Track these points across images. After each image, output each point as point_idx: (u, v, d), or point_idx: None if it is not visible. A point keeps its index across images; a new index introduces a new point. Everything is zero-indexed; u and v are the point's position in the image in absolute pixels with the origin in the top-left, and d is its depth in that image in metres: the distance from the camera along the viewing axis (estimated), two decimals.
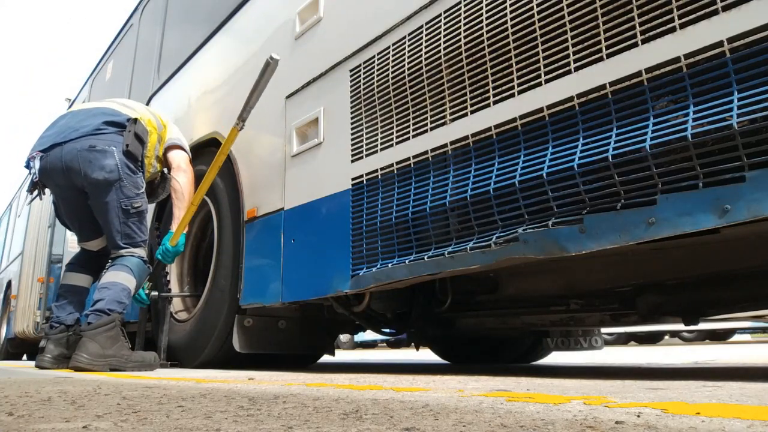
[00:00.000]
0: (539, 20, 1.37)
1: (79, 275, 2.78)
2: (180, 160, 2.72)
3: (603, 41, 1.24)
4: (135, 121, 2.58)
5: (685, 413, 0.72)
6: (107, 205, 2.48)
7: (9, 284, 7.55)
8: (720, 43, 1.06)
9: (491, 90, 1.48)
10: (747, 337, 11.89)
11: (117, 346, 2.30)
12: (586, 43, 1.28)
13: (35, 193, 2.63)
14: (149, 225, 2.69)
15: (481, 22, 1.51)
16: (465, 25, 1.56)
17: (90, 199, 2.54)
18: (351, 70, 1.96)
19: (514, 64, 1.43)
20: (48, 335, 2.61)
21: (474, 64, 1.53)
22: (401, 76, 1.74)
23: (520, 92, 1.41)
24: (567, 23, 1.32)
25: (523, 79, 1.41)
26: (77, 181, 2.48)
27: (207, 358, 2.47)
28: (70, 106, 6.12)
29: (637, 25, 1.19)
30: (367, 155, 1.85)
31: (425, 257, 1.58)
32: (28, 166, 2.56)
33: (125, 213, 2.50)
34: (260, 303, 2.23)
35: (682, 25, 1.12)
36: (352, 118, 1.93)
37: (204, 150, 2.89)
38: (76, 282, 2.77)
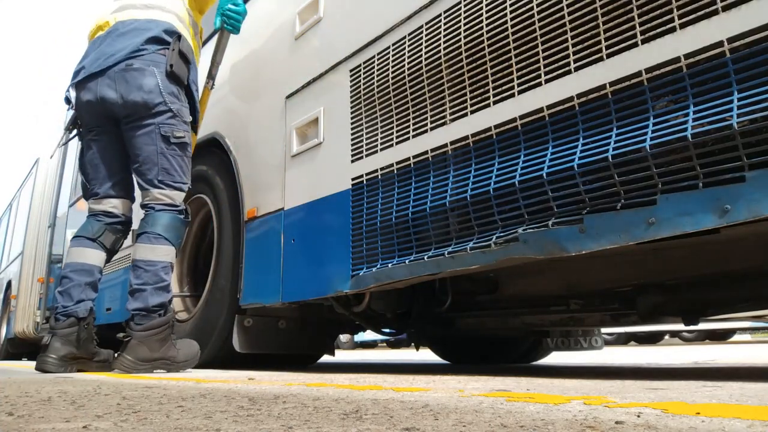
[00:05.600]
0: (539, 20, 1.37)
1: (89, 251, 2.24)
2: None
3: (603, 41, 1.24)
4: (179, 36, 2.24)
5: (685, 413, 0.72)
6: (143, 131, 2.14)
7: (9, 284, 7.55)
8: (720, 43, 1.06)
9: (491, 90, 1.48)
10: (747, 337, 11.91)
11: (165, 348, 2.08)
12: (586, 43, 1.28)
13: (73, 133, 2.33)
14: (189, 169, 2.29)
15: (481, 22, 1.51)
16: (465, 25, 1.56)
17: (125, 131, 2.21)
18: (351, 70, 1.96)
19: (514, 64, 1.43)
20: (53, 330, 2.14)
21: (474, 64, 1.53)
22: (401, 76, 1.74)
23: (520, 92, 1.41)
24: (567, 23, 1.32)
25: (523, 79, 1.41)
26: (113, 108, 2.17)
27: (207, 358, 2.47)
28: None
29: (637, 25, 1.19)
30: (367, 155, 1.85)
31: (425, 257, 1.58)
32: (67, 101, 2.29)
33: (165, 140, 2.15)
34: (260, 303, 2.23)
35: (682, 25, 1.12)
36: (352, 118, 1.93)
37: (204, 150, 2.89)
38: (86, 259, 2.23)
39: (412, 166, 1.69)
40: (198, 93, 2.37)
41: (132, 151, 2.21)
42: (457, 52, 1.57)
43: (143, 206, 2.22)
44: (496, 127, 1.46)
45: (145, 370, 2.03)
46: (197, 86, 2.36)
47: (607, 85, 1.23)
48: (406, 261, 1.64)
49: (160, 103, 2.14)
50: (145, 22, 2.24)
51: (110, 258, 2.35)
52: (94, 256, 2.25)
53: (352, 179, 1.89)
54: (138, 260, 2.13)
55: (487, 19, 1.50)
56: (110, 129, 2.26)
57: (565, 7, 1.32)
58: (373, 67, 1.86)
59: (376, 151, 1.81)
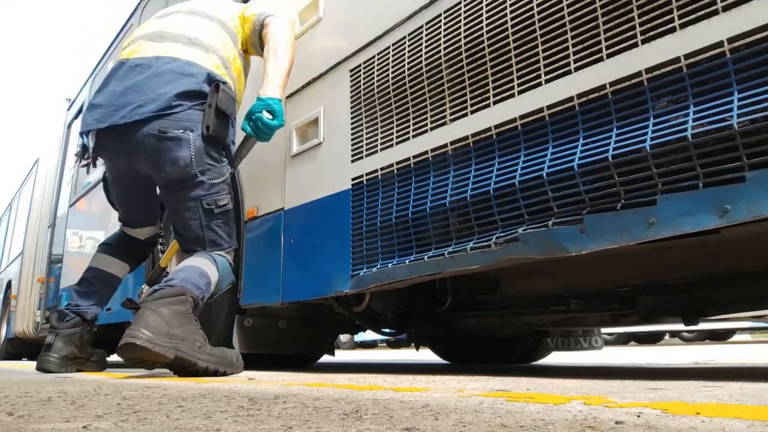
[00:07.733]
0: (539, 20, 1.37)
1: (114, 260, 2.26)
2: (275, 22, 2.12)
3: (603, 41, 1.24)
4: (217, 86, 1.96)
5: (685, 413, 0.72)
6: (184, 203, 1.96)
7: (9, 284, 7.54)
8: (720, 43, 1.06)
9: (491, 90, 1.48)
10: (747, 337, 11.90)
11: (188, 328, 1.70)
12: (586, 43, 1.28)
13: (86, 159, 2.14)
14: (234, 227, 2.13)
15: (481, 22, 1.51)
16: (465, 25, 1.56)
17: (162, 193, 2.10)
18: (351, 70, 1.96)
19: (514, 64, 1.43)
20: (56, 329, 2.10)
21: (474, 64, 1.53)
22: (401, 76, 1.74)
23: (520, 92, 1.41)
24: (567, 23, 1.32)
25: (523, 79, 1.41)
26: (144, 168, 1.99)
27: None
28: (70, 106, 6.06)
29: (637, 25, 1.19)
30: (367, 155, 1.85)
31: (425, 257, 1.58)
32: (84, 149, 2.11)
33: (208, 213, 1.97)
34: (260, 303, 2.23)
35: (682, 25, 1.12)
36: (352, 118, 1.93)
37: None
38: (109, 268, 2.25)
39: (412, 166, 1.69)
40: (234, 147, 2.15)
41: (173, 218, 2.06)
42: (457, 52, 1.57)
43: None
44: (496, 127, 1.46)
45: (163, 349, 1.60)
46: (235, 142, 2.15)
47: (607, 85, 1.23)
48: (406, 261, 1.64)
49: (198, 173, 1.94)
50: (185, 64, 1.98)
51: (131, 271, 2.42)
52: (121, 269, 2.32)
53: (352, 179, 1.89)
54: (178, 267, 1.90)
55: (487, 19, 1.50)
56: (137, 176, 2.08)
57: (565, 8, 1.32)
58: (373, 67, 1.86)
59: (376, 151, 1.81)
